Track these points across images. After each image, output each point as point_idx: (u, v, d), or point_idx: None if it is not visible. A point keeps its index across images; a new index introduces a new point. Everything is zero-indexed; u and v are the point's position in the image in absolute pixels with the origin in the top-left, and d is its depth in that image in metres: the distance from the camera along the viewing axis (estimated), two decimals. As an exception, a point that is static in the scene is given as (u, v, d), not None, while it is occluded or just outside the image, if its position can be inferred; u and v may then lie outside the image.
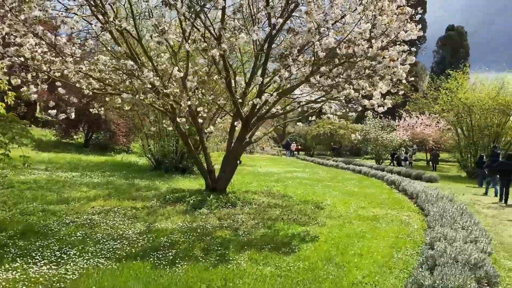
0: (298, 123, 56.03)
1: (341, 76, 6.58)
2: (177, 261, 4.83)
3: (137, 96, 7.31)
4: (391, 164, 29.30)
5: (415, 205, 10.44)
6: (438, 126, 31.26)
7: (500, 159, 13.58)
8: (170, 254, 5.09)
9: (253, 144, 40.18)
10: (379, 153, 30.06)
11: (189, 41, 6.34)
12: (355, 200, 10.85)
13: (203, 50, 6.29)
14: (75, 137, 22.65)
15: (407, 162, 29.94)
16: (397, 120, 35.34)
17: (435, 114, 27.56)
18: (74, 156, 16.78)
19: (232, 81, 8.41)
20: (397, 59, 6.32)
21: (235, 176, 14.61)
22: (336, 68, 6.80)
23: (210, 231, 6.38)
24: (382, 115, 34.60)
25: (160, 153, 14.44)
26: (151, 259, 4.83)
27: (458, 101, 22.63)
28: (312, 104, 9.46)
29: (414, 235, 6.75)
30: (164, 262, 4.76)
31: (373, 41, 6.71)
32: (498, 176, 13.23)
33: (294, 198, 10.61)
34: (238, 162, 19.63)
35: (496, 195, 13.35)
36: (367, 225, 7.58)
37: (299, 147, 43.30)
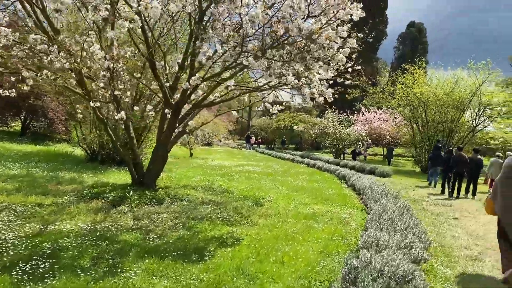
0: (262, 117, 55.56)
1: (273, 58, 5.80)
2: (50, 275, 3.90)
3: (39, 74, 6.25)
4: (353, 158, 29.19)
5: (361, 201, 9.91)
6: (395, 121, 31.44)
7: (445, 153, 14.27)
8: (46, 265, 4.15)
9: (211, 136, 39.31)
10: (337, 147, 29.82)
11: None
12: (299, 196, 10.20)
13: (103, 20, 5.32)
14: (13, 124, 20.93)
15: (361, 156, 30.04)
16: (355, 115, 35.34)
17: (392, 109, 27.58)
18: (3, 145, 15.27)
19: (162, 62, 7.50)
20: (334, 39, 5.60)
21: (178, 170, 13.75)
22: (271, 50, 6.02)
23: (114, 234, 5.46)
24: (341, 110, 34.62)
25: (96, 143, 13.26)
26: (16, 273, 3.88)
27: (414, 96, 22.58)
28: (255, 91, 8.71)
29: (350, 237, 6.10)
30: (31, 277, 3.83)
31: (312, 20, 5.99)
32: (438, 168, 14.72)
33: (235, 194, 9.84)
34: (190, 154, 18.72)
35: (435, 186, 14.44)
36: (302, 224, 6.89)
37: (259, 140, 42.67)
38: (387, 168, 20.03)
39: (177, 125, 7.92)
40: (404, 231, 5.19)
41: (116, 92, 6.76)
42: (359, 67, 9.14)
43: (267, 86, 8.06)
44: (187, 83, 7.00)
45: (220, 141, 46.30)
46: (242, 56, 5.93)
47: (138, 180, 8.37)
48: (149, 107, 8.31)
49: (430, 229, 7.38)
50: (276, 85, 7.87)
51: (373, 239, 4.76)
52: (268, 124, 42.60)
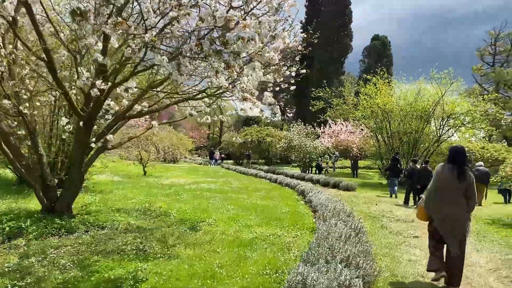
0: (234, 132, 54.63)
1: (183, 53, 4.76)
2: None
3: None
4: (315, 172, 28.42)
5: (314, 220, 8.92)
6: (362, 133, 30.96)
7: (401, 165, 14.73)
8: None
9: (175, 153, 37.85)
10: (303, 160, 28.98)
11: None
12: (247, 216, 9.13)
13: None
14: None
15: (324, 169, 29.58)
16: (322, 127, 34.77)
17: (357, 121, 27.09)
18: None
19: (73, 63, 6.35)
20: (257, 30, 4.62)
21: (121, 190, 12.45)
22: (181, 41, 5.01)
23: (-27, 282, 4.24)
24: (308, 123, 33.97)
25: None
26: None
27: (377, 107, 22.07)
28: (188, 100, 7.65)
29: (284, 270, 5.04)
30: None
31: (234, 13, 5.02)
32: (395, 179, 15.28)
33: (172, 217, 8.68)
34: (143, 173, 17.38)
35: (396, 197, 14.45)
36: (234, 254, 5.80)
37: (222, 155, 41.56)
38: (352, 181, 19.24)
39: (91, 140, 6.73)
40: (339, 264, 4.16)
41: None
42: (303, 71, 8.31)
43: (197, 91, 7.07)
44: (95, 89, 5.87)
45: (186, 157, 44.95)
46: (146, 51, 4.87)
47: (49, 206, 7.10)
48: (64, 119, 7.09)
49: (384, 253, 6.42)
50: (207, 91, 6.90)
51: (300, 278, 3.72)
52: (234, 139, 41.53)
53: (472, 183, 4.86)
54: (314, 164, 29.88)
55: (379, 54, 51.00)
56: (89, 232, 6.78)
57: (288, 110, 78.33)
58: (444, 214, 4.90)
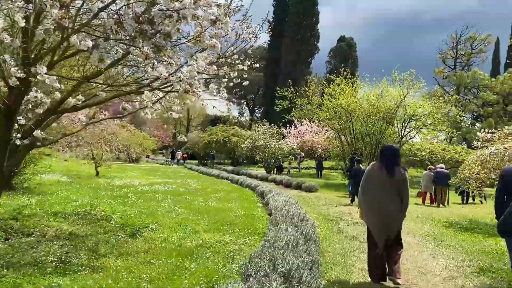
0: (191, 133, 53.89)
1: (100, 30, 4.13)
2: None
3: None
4: (275, 172, 28.04)
5: (268, 224, 8.41)
6: (327, 134, 30.87)
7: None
8: None
9: (131, 153, 36.57)
10: (268, 161, 28.55)
11: None
12: (197, 221, 8.53)
13: None
14: None
15: (287, 170, 29.47)
16: (287, 127, 34.52)
17: (322, 122, 26.91)
18: None
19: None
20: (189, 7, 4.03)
21: (65, 192, 11.56)
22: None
23: None
24: (272, 122, 33.61)
25: None
26: None
27: (340, 107, 21.92)
28: (126, 94, 6.97)
29: (220, 285, 4.47)
30: None
31: None
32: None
33: (114, 222, 7.96)
34: (95, 173, 16.41)
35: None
36: (170, 266, 5.18)
37: (185, 156, 40.68)
38: (314, 182, 18.94)
39: (13, 136, 5.93)
40: (278, 278, 3.64)
41: None
42: (257, 65, 7.78)
43: (135, 83, 6.44)
44: (13, 78, 5.12)
45: (149, 157, 43.74)
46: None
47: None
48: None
49: (336, 261, 5.97)
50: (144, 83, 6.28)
51: (228, 299, 3.16)
52: (200, 139, 40.68)
53: (404, 180, 4.81)
54: (285, 164, 29.68)
55: (345, 55, 51.39)
56: (10, 240, 5.99)
57: (256, 110, 78.11)
58: (376, 213, 4.88)
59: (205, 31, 4.54)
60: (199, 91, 5.91)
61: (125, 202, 10.54)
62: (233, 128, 39.09)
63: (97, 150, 18.28)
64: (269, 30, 62.02)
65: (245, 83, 7.70)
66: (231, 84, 7.72)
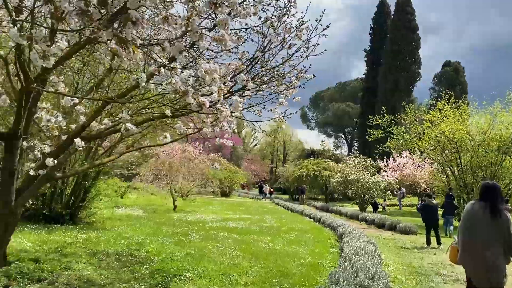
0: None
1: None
2: None
3: None
4: (373, 210, 25.33)
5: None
6: (431, 167, 27.36)
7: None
8: None
9: (228, 186, 36.53)
10: (361, 197, 26.00)
11: None
12: (245, 269, 7.11)
13: None
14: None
15: (382, 207, 26.43)
16: (385, 160, 31.59)
17: (422, 153, 23.84)
18: None
19: None
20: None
21: (124, 228, 10.95)
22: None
23: None
24: (367, 155, 30.99)
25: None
26: None
27: (443, 136, 18.95)
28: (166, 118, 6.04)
29: None
30: None
31: None
32: (451, 217, 14.18)
33: (149, 266, 6.89)
34: (173, 207, 15.94)
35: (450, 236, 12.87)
36: None
37: (272, 189, 39.45)
38: (412, 222, 16.22)
39: (16, 166, 5.20)
40: None
41: None
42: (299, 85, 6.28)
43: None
44: (3, 96, 4.39)
45: (244, 188, 43.51)
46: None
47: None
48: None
49: None
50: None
51: None
52: (291, 172, 39.37)
53: (510, 225, 4.14)
54: (380, 201, 26.95)
55: (451, 81, 46.75)
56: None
57: (355, 144, 74.85)
58: (476, 258, 4.30)
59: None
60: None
61: (180, 241, 9.50)
62: (325, 162, 37.08)
63: (181, 184, 17.97)
64: (367, 62, 59.79)
65: (296, 98, 6.34)
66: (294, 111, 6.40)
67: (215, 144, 55.72)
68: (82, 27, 3.07)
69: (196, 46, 4.72)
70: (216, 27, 3.66)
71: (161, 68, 3.85)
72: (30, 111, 5.52)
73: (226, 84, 5.10)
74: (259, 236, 11.33)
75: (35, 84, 4.83)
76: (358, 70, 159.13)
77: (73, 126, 5.93)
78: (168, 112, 5.33)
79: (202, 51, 4.74)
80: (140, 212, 15.29)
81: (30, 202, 10.80)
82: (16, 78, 4.19)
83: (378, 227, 16.83)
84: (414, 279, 7.34)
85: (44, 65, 2.96)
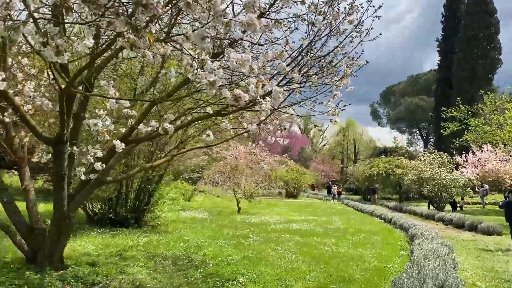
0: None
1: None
2: None
3: None
4: (452, 210, 23.48)
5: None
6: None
7: None
8: None
9: (296, 188, 36.07)
10: (438, 195, 24.19)
11: None
12: (304, 273, 6.70)
13: None
14: None
15: (459, 206, 24.38)
16: (463, 155, 29.17)
17: (506, 146, 21.63)
18: None
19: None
20: None
21: (185, 231, 11.00)
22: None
23: None
24: (443, 150, 28.87)
25: (94, 196, 10.90)
26: None
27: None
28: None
29: None
30: None
31: None
32: None
33: (203, 270, 6.73)
34: (238, 209, 15.92)
35: None
36: None
37: (340, 190, 38.16)
38: (496, 222, 14.64)
39: (64, 171, 5.25)
40: None
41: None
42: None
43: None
44: (46, 101, 4.44)
45: (305, 191, 42.81)
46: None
47: (33, 256, 5.77)
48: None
49: None
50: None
51: None
52: (361, 172, 37.89)
53: None
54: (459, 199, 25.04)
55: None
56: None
57: (431, 139, 70.54)
58: None
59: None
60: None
61: (239, 244, 9.29)
62: (398, 159, 35.14)
63: (244, 185, 17.92)
64: (440, 51, 56.01)
65: (349, 89, 5.81)
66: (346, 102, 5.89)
67: (283, 145, 55.63)
68: (95, 18, 2.90)
69: (229, 36, 4.46)
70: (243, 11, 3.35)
71: (193, 62, 3.61)
72: (79, 116, 5.59)
73: (266, 75, 4.77)
74: (323, 238, 10.80)
75: (79, 88, 4.85)
76: (431, 62, 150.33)
77: (124, 130, 5.95)
78: (209, 109, 5.10)
79: (237, 41, 4.43)
80: (205, 214, 15.40)
81: (99, 206, 11.28)
82: (54, 81, 4.16)
83: (456, 228, 15.45)
84: (497, 286, 6.43)
85: (59, 61, 2.80)
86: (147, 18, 2.83)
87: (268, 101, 4.32)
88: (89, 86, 5.59)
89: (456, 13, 48.81)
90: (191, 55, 3.59)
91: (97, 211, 11.10)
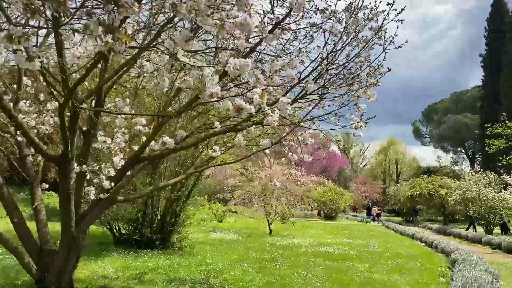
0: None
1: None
2: None
3: None
4: (502, 233, 21.86)
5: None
6: None
7: None
8: None
9: (334, 209, 35.11)
10: (486, 217, 22.61)
11: None
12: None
13: None
14: None
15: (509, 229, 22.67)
16: (512, 174, 27.26)
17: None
18: None
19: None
20: None
21: (210, 253, 10.65)
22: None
23: None
24: (489, 169, 27.12)
25: (120, 217, 10.76)
26: None
27: None
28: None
29: None
30: None
31: None
32: None
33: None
34: (269, 231, 15.47)
35: None
36: None
37: (379, 211, 36.60)
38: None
39: (71, 190, 5.07)
40: None
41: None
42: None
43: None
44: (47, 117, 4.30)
45: (345, 213, 41.50)
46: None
47: (42, 277, 5.59)
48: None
49: None
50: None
51: None
52: (403, 192, 36.33)
53: None
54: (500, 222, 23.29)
55: None
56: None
57: (478, 158, 67.10)
58: None
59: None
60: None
61: (263, 268, 8.81)
62: (441, 179, 33.44)
63: (275, 206, 17.43)
64: (485, 67, 53.66)
65: (372, 99, 5.37)
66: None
67: (322, 165, 54.50)
68: (67, 20, 2.68)
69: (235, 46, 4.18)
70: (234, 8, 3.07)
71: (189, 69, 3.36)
72: (89, 134, 5.45)
73: (274, 85, 4.43)
74: (357, 262, 10.12)
75: (80, 104, 4.70)
76: (475, 78, 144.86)
77: (136, 148, 5.77)
78: (217, 124, 4.80)
79: (241, 51, 4.14)
80: (235, 236, 15.00)
81: (126, 227, 11.16)
82: (51, 96, 4.01)
83: (506, 252, 14.22)
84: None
85: (30, 68, 2.59)
86: (121, 18, 2.57)
87: (276, 113, 3.96)
88: (99, 101, 5.47)
89: (501, 26, 46.88)
90: (185, 62, 3.32)
91: (124, 232, 10.97)
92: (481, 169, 25.32)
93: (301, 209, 22.26)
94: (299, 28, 4.97)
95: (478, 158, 65.32)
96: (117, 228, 11.13)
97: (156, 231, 10.94)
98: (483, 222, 22.84)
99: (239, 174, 25.86)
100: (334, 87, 5.29)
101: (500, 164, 21.79)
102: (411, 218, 36.31)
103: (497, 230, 22.52)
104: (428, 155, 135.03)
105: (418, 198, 32.58)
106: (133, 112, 6.25)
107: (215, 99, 3.27)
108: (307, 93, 5.09)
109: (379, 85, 5.36)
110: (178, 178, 6.66)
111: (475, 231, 23.76)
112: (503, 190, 23.38)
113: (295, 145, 5.60)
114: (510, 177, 26.72)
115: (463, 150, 71.92)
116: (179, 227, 11.53)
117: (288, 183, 18.20)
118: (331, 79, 5.31)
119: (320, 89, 5.24)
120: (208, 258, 9.65)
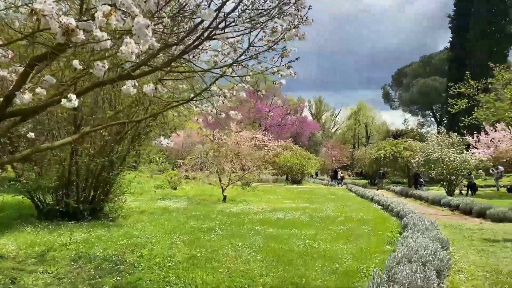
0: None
1: None
2: None
3: None
4: (466, 193, 21.84)
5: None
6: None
7: None
8: None
9: (301, 172, 34.68)
10: (448, 179, 22.44)
11: None
12: (251, 281, 5.26)
13: None
14: None
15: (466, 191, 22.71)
16: (475, 135, 27.21)
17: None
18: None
19: None
20: None
21: (148, 224, 9.68)
22: None
23: None
24: (453, 130, 26.98)
25: (37, 185, 9.46)
26: None
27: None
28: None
29: None
30: None
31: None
32: None
33: (123, 277, 5.37)
34: (223, 197, 14.59)
35: None
36: None
37: (343, 175, 36.61)
38: (509, 206, 12.99)
39: None
40: None
41: None
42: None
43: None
44: None
45: (313, 177, 41.29)
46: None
47: None
48: None
49: None
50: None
51: None
52: (366, 155, 36.18)
53: None
54: (465, 182, 23.32)
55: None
56: None
57: (445, 121, 67.92)
58: None
59: None
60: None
61: (194, 240, 7.88)
62: (406, 141, 33.28)
63: (227, 172, 16.48)
64: (450, 25, 53.23)
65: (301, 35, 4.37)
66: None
67: (292, 131, 53.83)
68: None
69: None
70: None
71: None
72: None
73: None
74: (302, 229, 9.35)
75: None
76: (445, 41, 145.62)
77: None
78: (76, 62, 3.64)
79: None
80: (183, 204, 14.06)
81: (49, 198, 9.97)
82: None
83: (464, 214, 13.87)
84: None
85: None
86: None
87: (130, 42, 2.82)
88: None
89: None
90: None
91: (49, 202, 9.78)
92: (445, 130, 25.01)
93: (269, 174, 21.51)
94: None
95: (445, 121, 66.12)
96: (40, 198, 9.89)
97: (85, 201, 9.83)
98: (444, 183, 22.72)
99: (208, 141, 24.80)
100: (242, 19, 4.19)
101: (462, 124, 21.40)
102: (375, 181, 36.38)
103: (458, 191, 22.50)
104: (398, 120, 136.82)
105: (383, 160, 32.41)
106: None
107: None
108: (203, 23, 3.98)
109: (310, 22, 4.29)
110: (65, 140, 5.48)
111: (420, 187, 23.88)
112: (464, 151, 23.21)
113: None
114: (472, 138, 26.69)
115: (431, 114, 72.66)
116: (115, 196, 10.45)
117: (248, 148, 17.29)
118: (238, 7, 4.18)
119: (223, 22, 4.12)
120: (136, 230, 8.64)
